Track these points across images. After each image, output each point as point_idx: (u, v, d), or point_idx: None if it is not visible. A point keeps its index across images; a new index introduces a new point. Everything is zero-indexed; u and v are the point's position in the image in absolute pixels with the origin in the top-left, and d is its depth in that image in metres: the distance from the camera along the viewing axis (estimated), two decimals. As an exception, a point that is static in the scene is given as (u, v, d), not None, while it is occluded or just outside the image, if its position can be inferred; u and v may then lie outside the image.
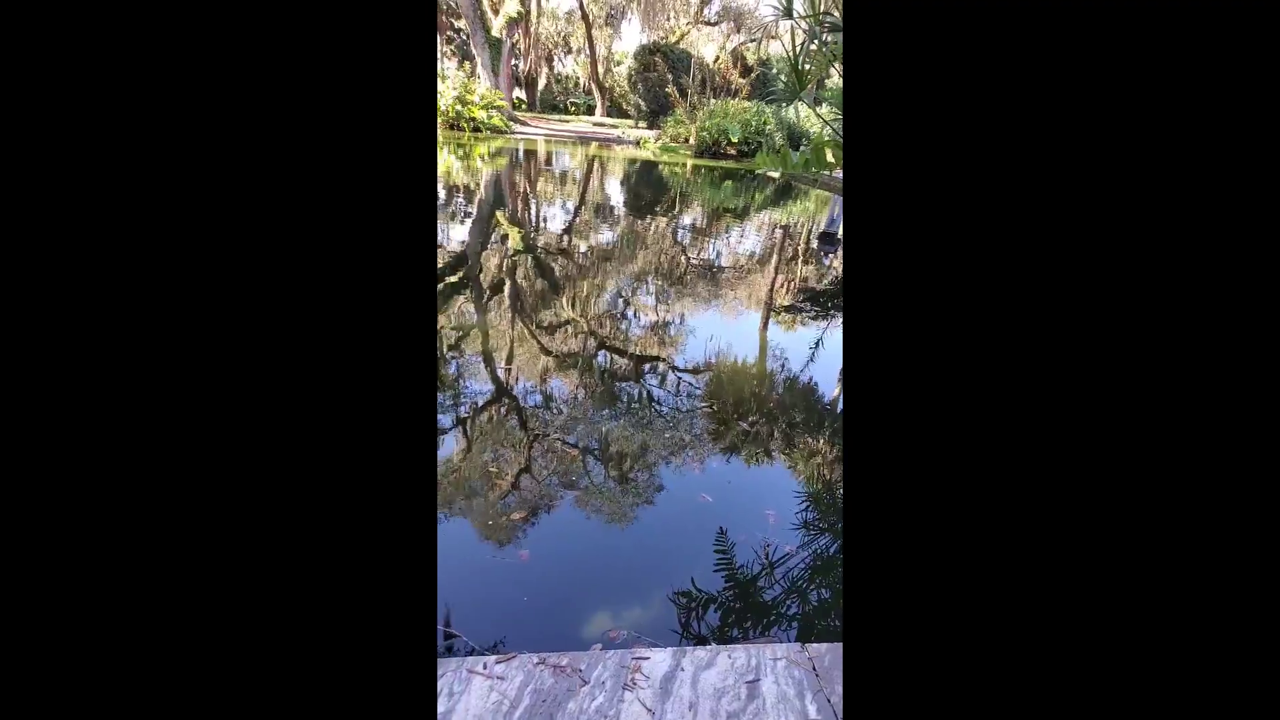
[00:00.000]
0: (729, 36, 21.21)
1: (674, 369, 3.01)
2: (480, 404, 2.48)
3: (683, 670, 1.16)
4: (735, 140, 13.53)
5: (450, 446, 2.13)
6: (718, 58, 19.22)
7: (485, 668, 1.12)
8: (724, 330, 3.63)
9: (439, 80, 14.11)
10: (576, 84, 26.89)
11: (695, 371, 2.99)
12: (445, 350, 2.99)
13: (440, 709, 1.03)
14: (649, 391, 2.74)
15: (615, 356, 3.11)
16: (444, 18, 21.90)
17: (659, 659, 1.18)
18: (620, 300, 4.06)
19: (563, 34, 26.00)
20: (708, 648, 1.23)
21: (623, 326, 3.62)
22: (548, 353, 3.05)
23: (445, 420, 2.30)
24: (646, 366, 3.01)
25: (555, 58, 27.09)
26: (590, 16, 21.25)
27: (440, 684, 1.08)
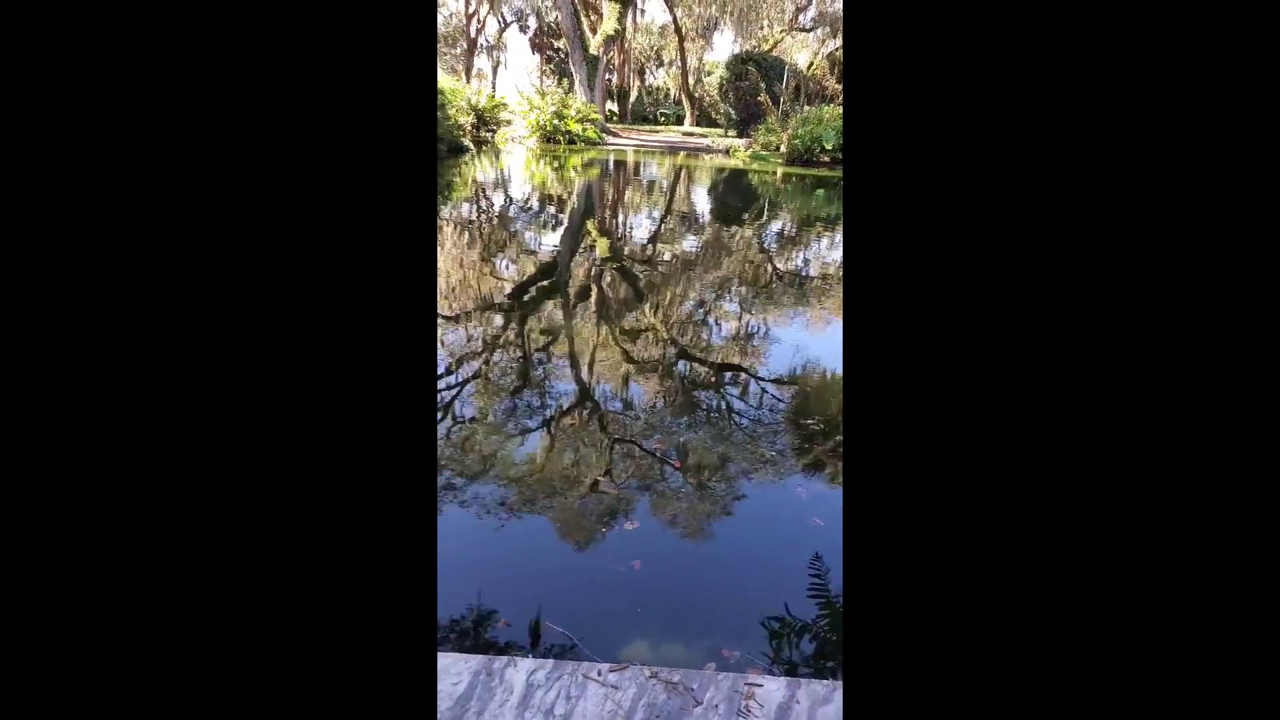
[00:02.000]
0: (824, 42, 20.65)
1: (756, 379, 2.96)
2: (565, 406, 2.56)
3: (798, 703, 1.11)
4: (829, 147, 13.11)
5: (534, 445, 2.22)
6: (811, 64, 18.77)
7: (600, 674, 1.14)
8: (811, 342, 3.52)
9: (540, 96, 14.82)
10: (667, 95, 27.23)
11: (779, 383, 2.92)
12: (533, 352, 3.12)
13: (559, 711, 1.05)
14: (729, 402, 2.71)
15: (696, 365, 3.10)
16: (545, 38, 22.94)
17: (772, 688, 1.14)
18: (702, 308, 4.05)
19: (655, 48, 26.46)
20: (825, 683, 1.17)
21: (704, 335, 3.60)
22: (631, 360, 3.10)
23: (532, 421, 2.40)
24: (728, 376, 2.98)
25: (647, 70, 27.60)
26: (684, 30, 21.48)
27: (557, 686, 1.10)
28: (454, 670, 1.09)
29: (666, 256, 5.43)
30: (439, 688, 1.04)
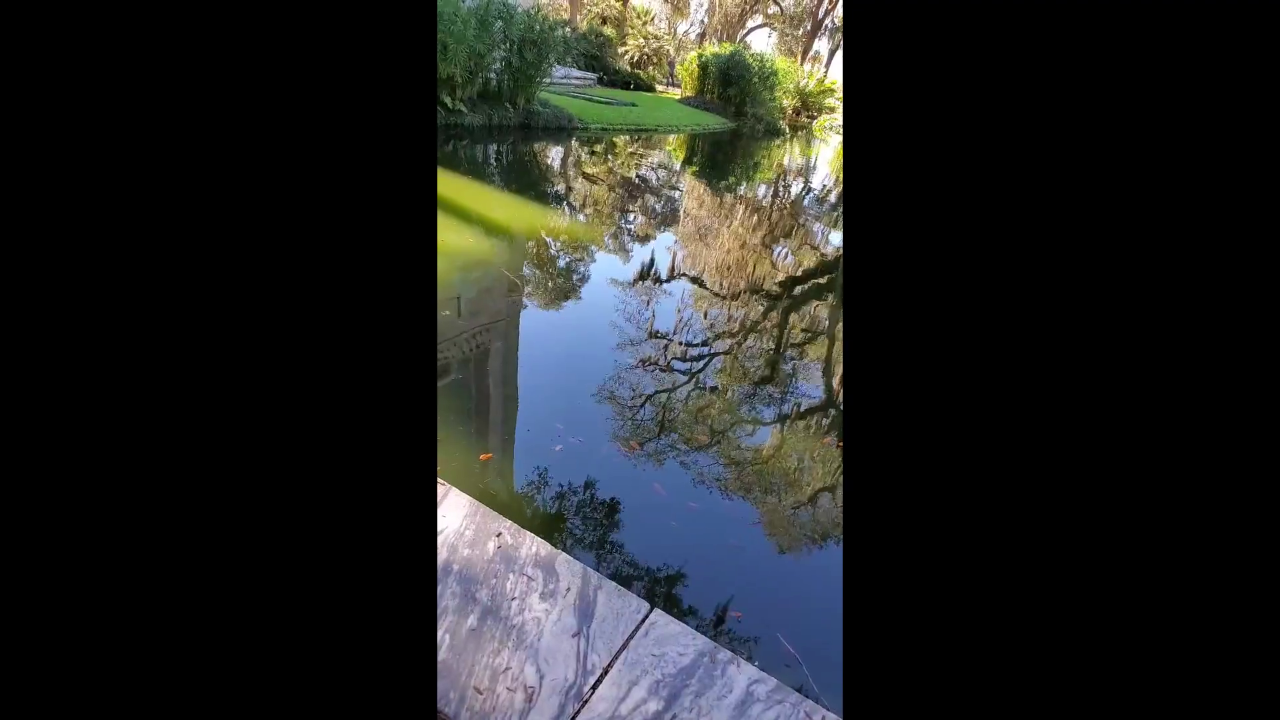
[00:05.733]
0: None
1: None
2: (804, 408, 2.49)
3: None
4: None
5: (763, 437, 2.22)
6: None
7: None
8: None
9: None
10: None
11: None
12: (788, 347, 3.08)
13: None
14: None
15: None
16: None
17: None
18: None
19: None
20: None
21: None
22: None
23: (767, 413, 2.39)
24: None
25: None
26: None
27: (777, 710, 0.97)
28: (681, 641, 1.04)
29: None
30: (658, 664, 1.02)
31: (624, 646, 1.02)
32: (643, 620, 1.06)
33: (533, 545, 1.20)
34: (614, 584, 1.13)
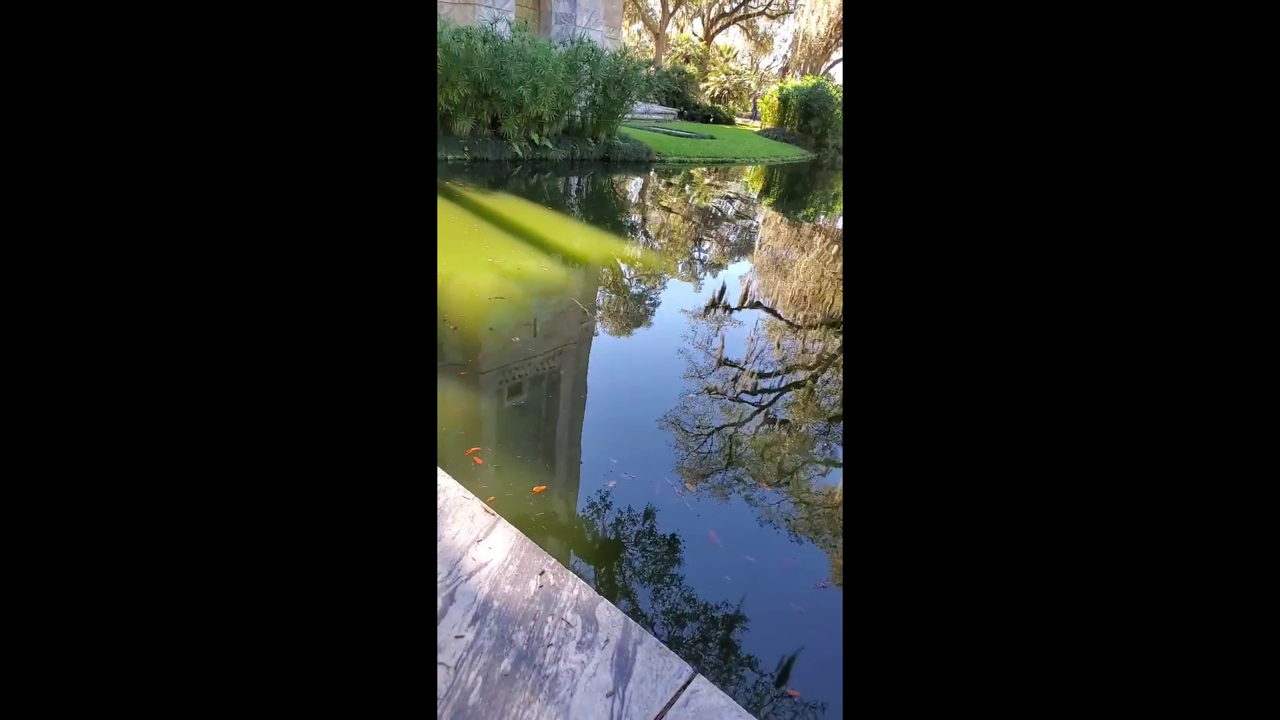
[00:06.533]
0: None
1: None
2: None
3: None
4: None
5: (835, 479, 2.04)
6: None
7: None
8: None
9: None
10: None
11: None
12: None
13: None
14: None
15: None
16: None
17: None
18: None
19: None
20: None
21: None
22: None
23: (841, 454, 2.21)
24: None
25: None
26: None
27: None
28: (724, 718, 0.92)
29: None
30: None
31: (660, 716, 0.91)
32: (684, 686, 0.96)
33: (574, 588, 1.13)
34: (655, 640, 1.03)
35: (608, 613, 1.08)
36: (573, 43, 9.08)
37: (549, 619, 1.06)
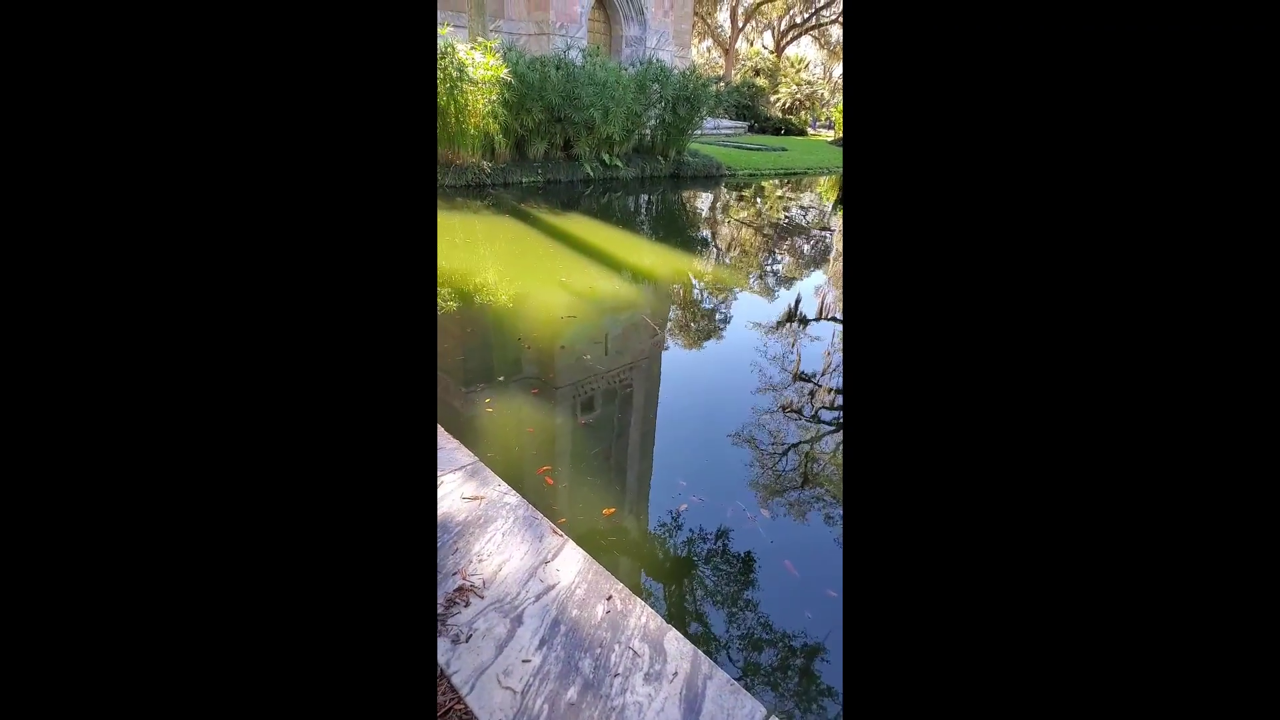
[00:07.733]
0: None
1: None
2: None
3: None
4: None
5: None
6: None
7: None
8: None
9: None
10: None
11: None
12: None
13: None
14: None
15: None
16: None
17: None
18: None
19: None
20: None
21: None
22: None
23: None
24: None
25: None
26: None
27: None
28: None
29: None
30: None
31: (735, 761, 0.85)
32: (759, 730, 0.89)
33: (642, 615, 1.09)
34: (726, 676, 0.97)
35: (676, 643, 1.03)
36: (642, 64, 9.25)
37: (615, 646, 1.02)
